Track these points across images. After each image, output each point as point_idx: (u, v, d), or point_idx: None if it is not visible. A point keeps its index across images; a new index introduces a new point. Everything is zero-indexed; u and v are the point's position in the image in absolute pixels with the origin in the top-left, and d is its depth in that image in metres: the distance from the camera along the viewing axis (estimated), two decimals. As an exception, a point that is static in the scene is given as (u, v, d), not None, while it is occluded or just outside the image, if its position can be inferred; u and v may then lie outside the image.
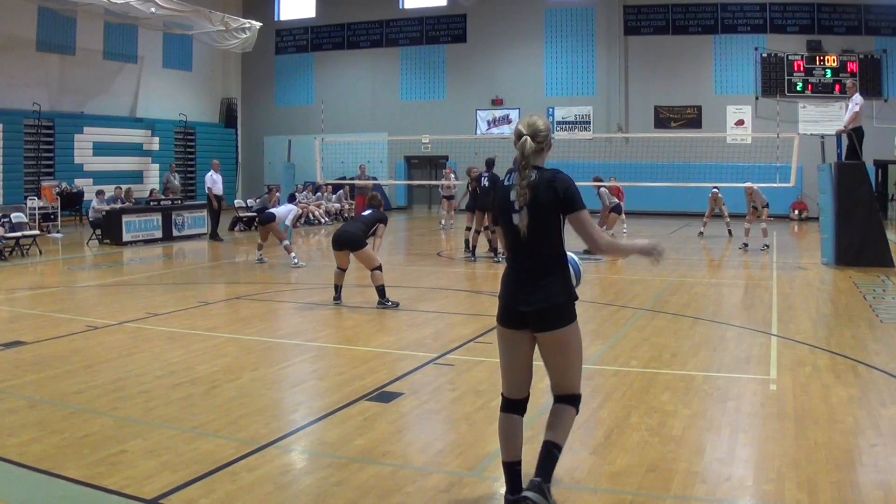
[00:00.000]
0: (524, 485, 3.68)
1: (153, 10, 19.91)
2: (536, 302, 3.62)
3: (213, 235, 18.37)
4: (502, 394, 3.84)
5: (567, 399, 3.78)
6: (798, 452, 4.57)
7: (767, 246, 15.80)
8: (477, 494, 4.06)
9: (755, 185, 16.06)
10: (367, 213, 9.98)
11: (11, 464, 4.39)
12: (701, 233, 18.76)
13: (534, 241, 3.65)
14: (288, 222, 14.15)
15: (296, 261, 13.30)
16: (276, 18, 31.52)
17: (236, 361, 6.83)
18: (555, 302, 3.63)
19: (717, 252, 16.04)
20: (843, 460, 4.45)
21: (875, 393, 5.82)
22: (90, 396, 5.71)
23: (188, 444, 4.72)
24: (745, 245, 15.86)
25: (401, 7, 30.03)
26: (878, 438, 4.82)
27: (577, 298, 3.77)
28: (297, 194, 21.67)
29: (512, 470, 3.74)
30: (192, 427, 5.05)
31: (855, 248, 12.90)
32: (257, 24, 23.52)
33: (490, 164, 14.54)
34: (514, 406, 3.80)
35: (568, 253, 3.84)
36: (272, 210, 14.16)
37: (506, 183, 3.81)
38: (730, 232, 18.54)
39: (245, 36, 23.12)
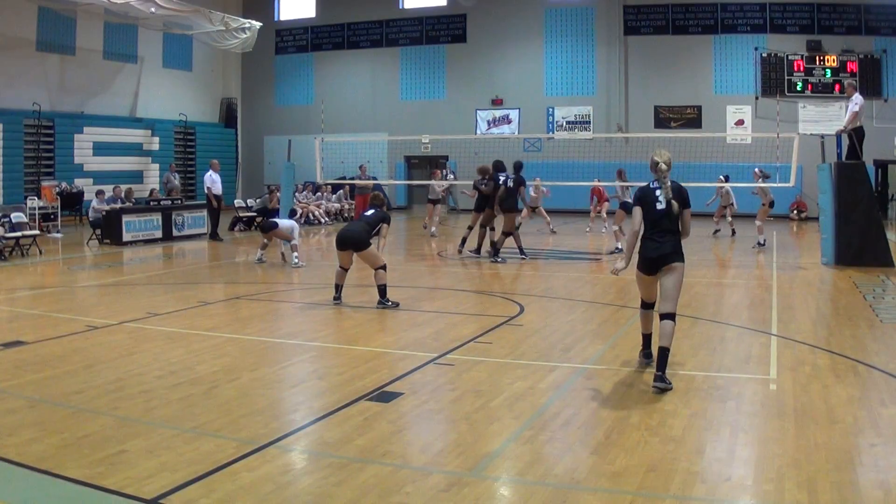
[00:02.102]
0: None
1: (153, 10, 19.92)
2: (668, 250, 6.08)
3: (213, 235, 18.37)
4: (642, 299, 6.47)
5: (670, 316, 6.03)
6: (798, 452, 4.57)
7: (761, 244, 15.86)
8: (477, 494, 4.06)
9: (768, 185, 16.07)
10: (370, 213, 9.92)
11: (11, 464, 4.39)
12: (716, 231, 18.78)
13: (670, 219, 6.13)
14: (295, 241, 13.58)
15: (296, 260, 13.29)
16: (276, 18, 31.53)
17: (236, 361, 6.83)
18: (677, 248, 6.14)
19: (717, 251, 16.04)
20: (843, 460, 4.45)
21: (875, 393, 5.83)
22: (90, 396, 5.71)
23: (188, 444, 4.72)
24: (761, 244, 15.92)
25: (401, 7, 30.03)
26: (878, 438, 4.83)
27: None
28: (297, 195, 21.64)
29: (648, 339, 6.54)
30: (192, 427, 5.05)
31: (855, 248, 12.90)
32: (257, 24, 23.52)
33: (518, 167, 14.43)
34: (649, 306, 6.48)
35: None
36: (275, 220, 14.03)
37: (651, 187, 6.28)
38: (733, 231, 18.60)
39: (245, 36, 23.12)
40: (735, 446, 4.72)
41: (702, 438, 4.88)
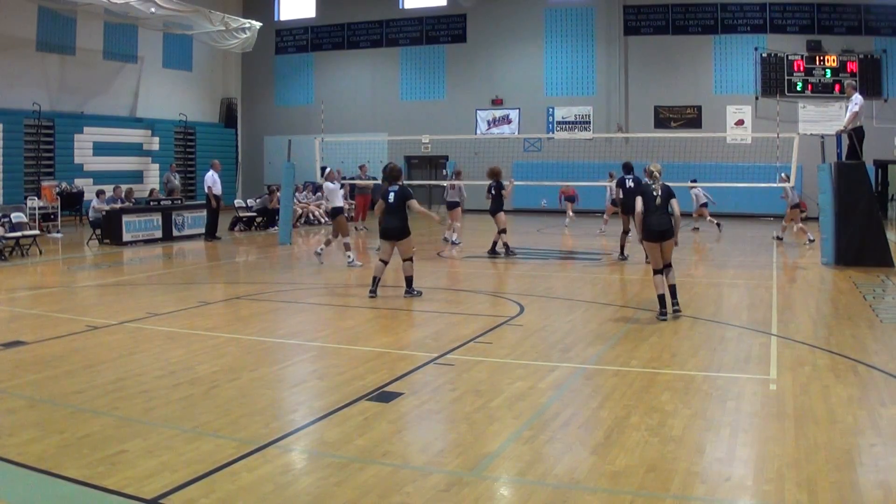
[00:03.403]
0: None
1: (153, 10, 19.92)
2: (666, 227, 8.77)
3: (209, 235, 18.36)
4: (653, 268, 8.87)
5: (670, 265, 8.83)
6: (798, 452, 4.57)
7: (811, 240, 16.57)
8: (477, 494, 4.06)
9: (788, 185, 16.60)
10: (391, 196, 10.02)
11: (11, 464, 4.38)
12: (695, 228, 19.50)
13: (663, 207, 8.82)
14: (339, 202, 13.66)
15: (351, 258, 13.22)
16: (276, 18, 31.53)
17: (236, 361, 6.83)
18: (671, 227, 8.83)
19: (717, 251, 16.03)
20: (843, 460, 4.45)
21: (875, 393, 5.83)
22: (90, 396, 5.71)
23: (188, 444, 4.72)
24: (779, 237, 16.94)
25: (401, 7, 30.03)
26: (878, 438, 4.82)
27: None
28: (297, 195, 21.58)
29: (663, 299, 8.71)
30: (192, 427, 5.05)
31: (855, 248, 12.89)
32: (257, 24, 23.52)
33: (629, 168, 14.48)
34: (660, 271, 8.79)
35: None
36: (338, 205, 13.65)
37: (648, 184, 9.05)
38: (718, 225, 19.18)
39: (245, 36, 23.12)
40: (735, 446, 4.72)
41: (702, 438, 4.88)
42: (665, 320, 8.47)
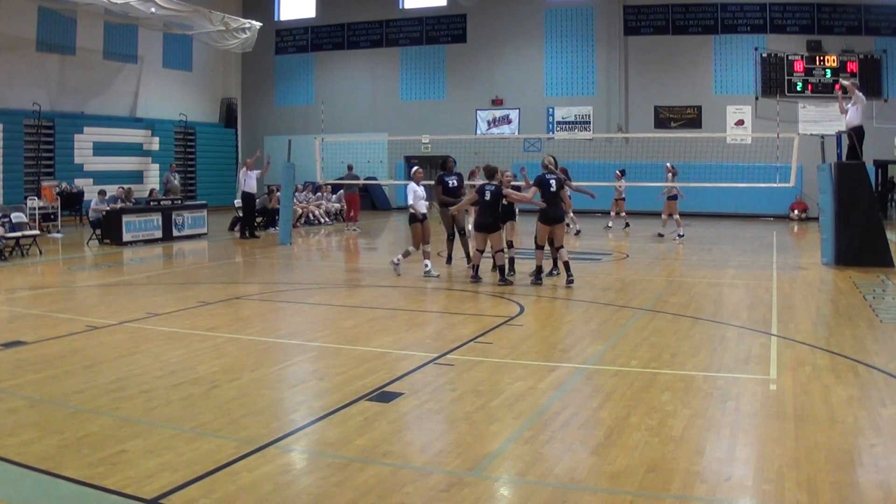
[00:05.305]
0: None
1: (153, 10, 19.91)
2: (560, 214, 10.93)
3: (251, 233, 18.61)
4: (539, 244, 11.01)
5: (562, 246, 11.03)
6: (798, 452, 4.57)
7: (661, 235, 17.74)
8: (477, 494, 4.06)
9: (672, 185, 17.54)
10: (487, 194, 11.02)
11: (11, 464, 4.39)
12: (607, 226, 20.14)
13: (558, 196, 10.82)
14: (423, 207, 11.95)
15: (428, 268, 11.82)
16: (276, 18, 31.52)
17: (236, 361, 6.83)
18: (563, 212, 11.23)
19: (717, 252, 16.03)
20: (843, 460, 4.45)
21: (875, 393, 5.83)
22: (90, 396, 5.71)
23: (188, 444, 4.72)
24: (682, 235, 17.56)
25: (401, 7, 30.03)
26: (878, 438, 4.83)
27: None
28: (297, 195, 21.55)
29: (541, 269, 11.13)
30: (192, 427, 5.05)
31: (855, 248, 12.88)
32: (257, 24, 23.51)
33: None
34: (542, 247, 11.06)
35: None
36: (420, 211, 11.83)
37: (546, 176, 10.78)
38: (627, 224, 20.30)
39: (245, 36, 23.11)
40: (735, 446, 4.72)
41: (702, 438, 4.88)
42: (540, 284, 10.65)
